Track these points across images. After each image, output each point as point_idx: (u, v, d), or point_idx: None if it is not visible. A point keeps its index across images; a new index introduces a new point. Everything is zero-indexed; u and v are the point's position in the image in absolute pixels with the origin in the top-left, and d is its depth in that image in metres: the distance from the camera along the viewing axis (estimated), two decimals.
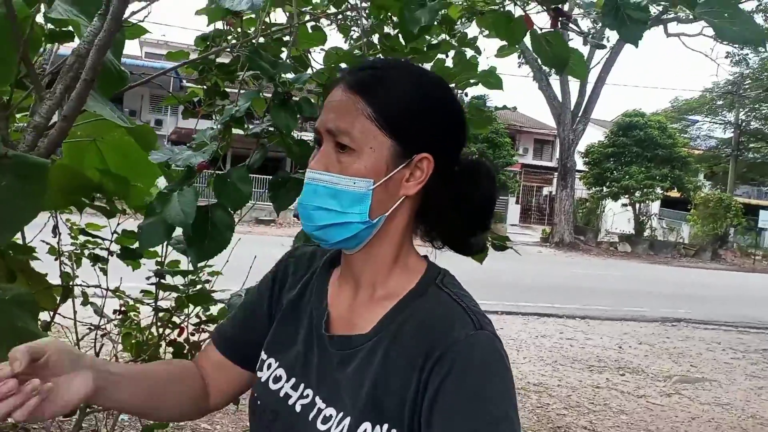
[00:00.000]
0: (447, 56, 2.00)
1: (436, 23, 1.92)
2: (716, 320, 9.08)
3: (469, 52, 2.10)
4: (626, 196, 23.26)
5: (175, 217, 1.25)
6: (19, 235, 1.94)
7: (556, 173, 24.48)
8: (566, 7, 1.56)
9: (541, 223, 29.23)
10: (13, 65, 1.26)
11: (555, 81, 21.15)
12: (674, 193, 24.04)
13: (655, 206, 26.72)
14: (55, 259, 2.01)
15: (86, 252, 2.06)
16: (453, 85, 1.76)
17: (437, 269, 0.86)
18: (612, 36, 21.98)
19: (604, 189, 23.76)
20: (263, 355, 0.91)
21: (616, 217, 25.79)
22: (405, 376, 0.75)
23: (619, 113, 25.28)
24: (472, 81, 1.79)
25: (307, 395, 0.83)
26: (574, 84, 21.48)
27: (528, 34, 1.34)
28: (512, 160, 21.54)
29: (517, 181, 24.55)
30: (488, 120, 1.89)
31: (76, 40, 1.67)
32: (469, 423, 0.70)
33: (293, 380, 0.85)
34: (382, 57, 1.82)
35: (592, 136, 25.37)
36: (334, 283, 0.90)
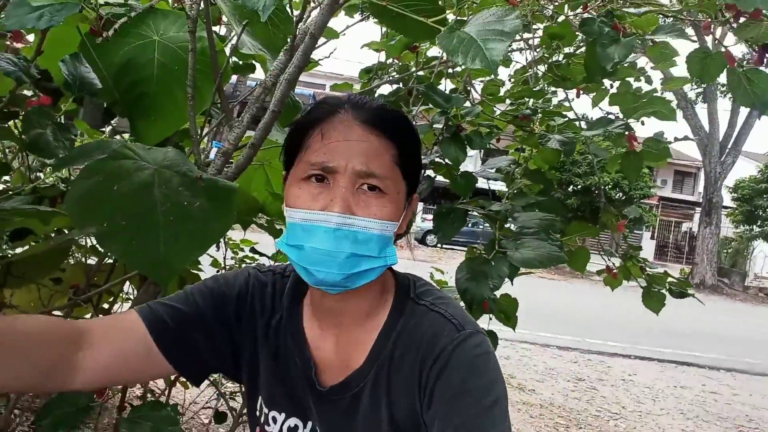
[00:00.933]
0: (612, 86, 1.92)
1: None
2: None
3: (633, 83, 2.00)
4: None
5: None
6: None
7: (697, 208, 22.70)
8: None
9: (679, 262, 27.13)
10: (209, 95, 1.37)
11: (701, 110, 19.70)
12: None
13: None
14: (218, 271, 2.17)
15: (244, 266, 2.20)
16: (622, 114, 1.68)
17: (404, 279, 0.87)
18: None
19: (755, 228, 21.55)
20: (264, 408, 0.89)
21: None
22: (409, 395, 0.79)
23: None
24: (648, 111, 1.69)
25: None
26: (723, 113, 19.88)
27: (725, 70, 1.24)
28: (649, 192, 20.21)
29: (654, 214, 22.99)
30: (666, 152, 1.77)
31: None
32: (460, 416, 0.73)
33: (310, 424, 0.85)
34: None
35: (743, 169, 23.22)
36: (310, 322, 0.87)
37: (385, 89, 2.02)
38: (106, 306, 1.63)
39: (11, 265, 1.18)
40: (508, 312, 1.65)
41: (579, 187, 18.80)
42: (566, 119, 1.74)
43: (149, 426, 0.99)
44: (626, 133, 1.61)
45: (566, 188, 19.19)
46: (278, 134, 1.41)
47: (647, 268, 1.81)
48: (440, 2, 0.75)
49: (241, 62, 1.67)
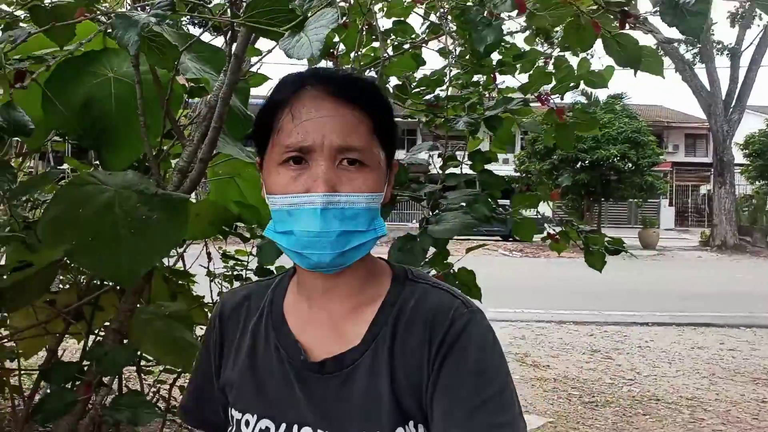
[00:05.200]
0: (546, 63, 2.04)
1: (533, 32, 1.98)
2: None
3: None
4: None
5: None
6: (180, 262, 2.29)
7: (713, 169, 22.49)
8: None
9: (701, 225, 26.91)
10: (161, 120, 1.53)
11: (700, 69, 19.56)
12: None
13: None
14: (211, 281, 2.33)
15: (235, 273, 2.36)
16: (550, 86, 1.79)
17: (400, 267, 0.87)
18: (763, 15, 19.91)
19: None
20: (237, 415, 0.84)
21: None
22: (415, 371, 0.76)
23: None
24: (572, 84, 1.81)
25: None
26: (723, 71, 19.71)
27: (600, 38, 1.37)
28: (659, 159, 20.06)
29: (667, 181, 22.83)
30: (594, 122, 1.89)
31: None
32: (476, 395, 0.73)
33: (284, 426, 0.79)
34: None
35: (752, 124, 22.98)
36: (294, 309, 0.85)
37: None
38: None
39: (3, 290, 1.35)
40: (468, 284, 1.79)
41: (587, 162, 18.79)
42: (471, 100, 1.85)
43: (129, 411, 1.15)
44: (554, 107, 1.74)
45: (574, 165, 19.19)
46: (229, 147, 1.56)
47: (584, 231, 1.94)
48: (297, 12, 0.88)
49: (195, 86, 1.83)
